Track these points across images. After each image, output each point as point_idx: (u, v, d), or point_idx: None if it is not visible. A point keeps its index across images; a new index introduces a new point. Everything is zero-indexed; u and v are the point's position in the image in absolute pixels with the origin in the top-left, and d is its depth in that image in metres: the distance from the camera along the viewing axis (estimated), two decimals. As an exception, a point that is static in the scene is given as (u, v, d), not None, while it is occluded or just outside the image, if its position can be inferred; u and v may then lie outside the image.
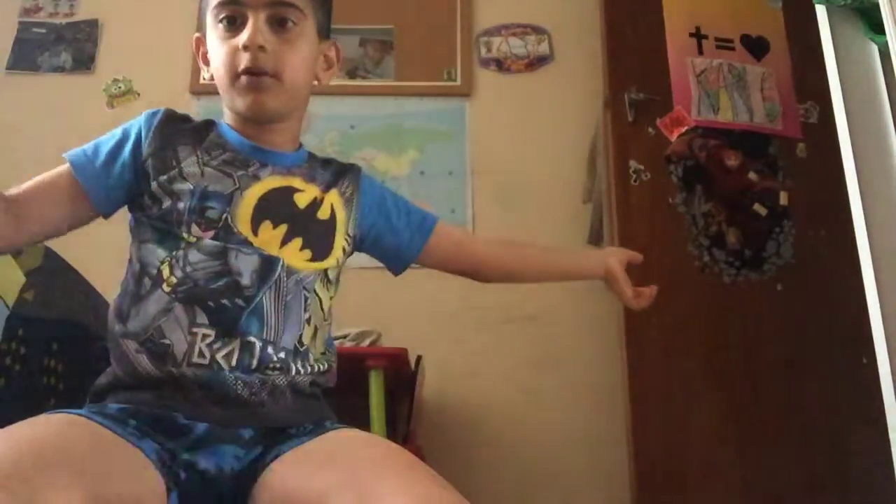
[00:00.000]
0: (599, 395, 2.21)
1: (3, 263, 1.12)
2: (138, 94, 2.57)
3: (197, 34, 1.10)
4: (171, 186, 0.96)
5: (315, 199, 1.03)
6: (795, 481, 1.95)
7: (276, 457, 0.86)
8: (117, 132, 1.02)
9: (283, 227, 0.98)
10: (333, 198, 1.05)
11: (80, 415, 0.82)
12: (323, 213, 1.03)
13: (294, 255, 0.98)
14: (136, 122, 1.03)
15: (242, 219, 0.96)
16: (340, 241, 1.04)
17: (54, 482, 0.65)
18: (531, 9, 2.67)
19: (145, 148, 0.99)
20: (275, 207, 0.99)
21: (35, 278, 1.17)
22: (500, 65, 2.61)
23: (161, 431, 0.85)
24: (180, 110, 1.08)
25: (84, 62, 2.62)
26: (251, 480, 0.86)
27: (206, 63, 1.07)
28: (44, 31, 2.66)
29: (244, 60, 0.97)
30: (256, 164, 1.01)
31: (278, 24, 0.99)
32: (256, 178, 1.00)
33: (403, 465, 0.79)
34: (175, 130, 1.02)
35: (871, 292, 1.39)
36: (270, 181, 1.00)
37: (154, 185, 0.97)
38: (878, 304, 1.37)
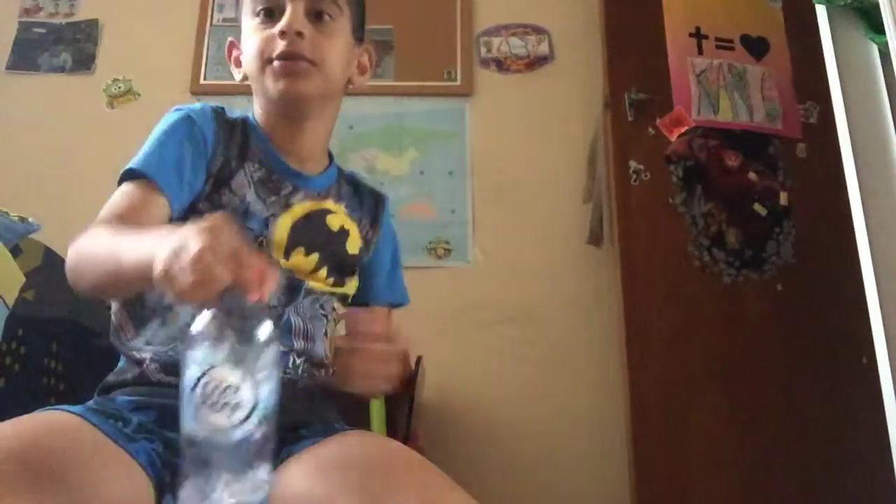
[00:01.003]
0: (599, 395, 2.21)
1: (3, 263, 1.13)
2: (138, 94, 2.57)
3: (231, 38, 1.10)
4: (222, 199, 0.96)
5: (344, 225, 1.05)
6: (795, 481, 1.95)
7: (288, 456, 0.87)
8: (177, 140, 0.96)
9: (315, 256, 0.99)
10: (358, 233, 1.08)
11: (72, 412, 0.81)
12: (352, 247, 1.06)
13: (319, 281, 1.01)
14: (191, 127, 0.98)
15: (277, 244, 0.97)
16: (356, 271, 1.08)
17: (13, 486, 0.65)
18: (531, 9, 2.67)
19: (213, 167, 0.97)
20: (309, 234, 0.99)
21: (35, 278, 1.17)
22: (500, 65, 2.61)
23: (170, 423, 0.85)
24: (219, 108, 1.03)
25: (84, 62, 2.62)
26: None
27: (238, 65, 1.07)
28: (44, 31, 2.66)
29: (279, 46, 0.97)
30: (289, 187, 1.01)
31: (315, 16, 1.00)
32: (288, 205, 1.00)
33: (414, 467, 0.80)
34: (231, 141, 1.00)
35: (871, 292, 1.39)
36: (302, 207, 1.01)
37: (204, 198, 0.96)
38: (878, 304, 1.37)
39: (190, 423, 0.60)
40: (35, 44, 2.64)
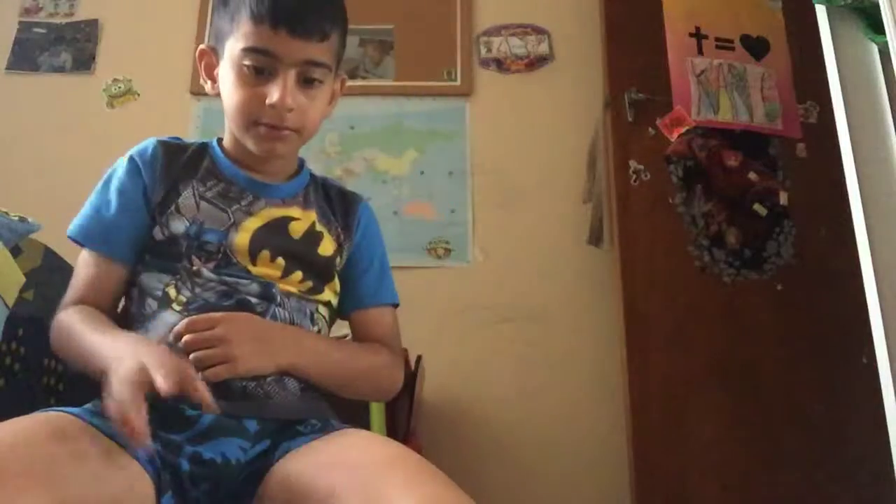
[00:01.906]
0: (599, 395, 2.21)
1: (3, 263, 1.13)
2: (138, 94, 2.57)
3: (203, 46, 1.09)
4: (170, 224, 0.99)
5: (313, 227, 1.05)
6: (795, 481, 1.95)
7: (286, 452, 0.87)
8: (113, 190, 1.02)
9: (281, 261, 1.00)
10: (330, 236, 1.08)
11: (71, 413, 0.82)
12: (325, 250, 1.06)
13: (294, 286, 1.01)
14: (130, 168, 1.03)
15: (240, 250, 0.99)
16: (336, 276, 1.09)
17: (15, 485, 0.65)
18: (531, 9, 2.67)
19: (154, 197, 1.01)
20: (271, 239, 1.01)
21: (35, 278, 1.17)
22: (500, 65, 2.61)
23: (166, 424, 0.86)
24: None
25: (84, 62, 2.62)
26: (259, 474, 0.86)
27: (211, 78, 1.07)
28: (44, 31, 2.66)
29: (268, 116, 0.98)
30: (250, 196, 1.03)
31: (305, 81, 0.99)
32: (249, 212, 1.02)
33: (412, 466, 0.80)
34: (175, 166, 1.03)
35: (871, 292, 1.39)
36: (266, 213, 1.02)
37: (157, 226, 0.99)
38: (878, 304, 1.37)
39: None
40: (35, 44, 2.64)
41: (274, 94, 0.96)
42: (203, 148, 1.07)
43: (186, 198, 1.00)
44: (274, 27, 0.95)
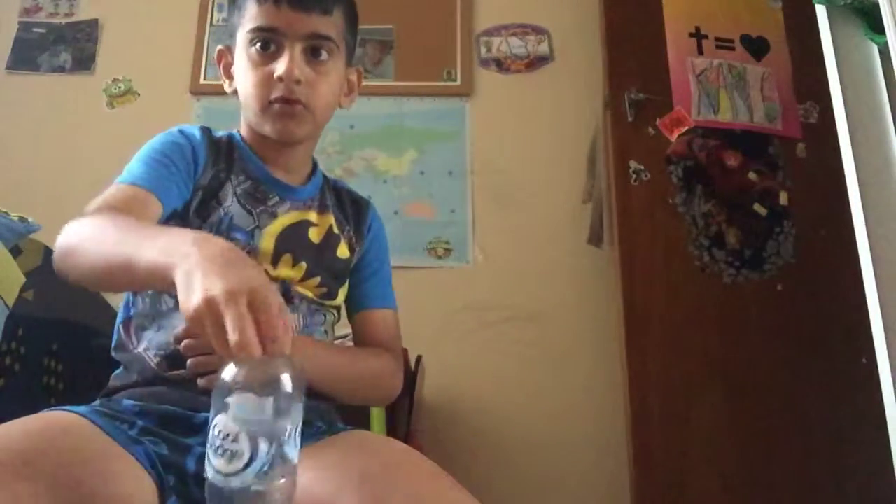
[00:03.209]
0: (599, 395, 2.21)
1: (3, 263, 1.13)
2: (138, 94, 2.57)
3: (221, 46, 1.10)
4: (206, 211, 0.98)
5: (330, 233, 1.07)
6: (795, 481, 1.95)
7: None
8: (166, 153, 0.97)
9: (303, 265, 1.01)
10: (345, 240, 1.10)
11: (77, 413, 0.82)
12: (342, 252, 1.08)
13: (311, 290, 1.02)
14: (184, 144, 1.00)
15: (264, 254, 0.99)
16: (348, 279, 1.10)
17: (16, 486, 0.65)
18: (531, 9, 2.67)
19: (200, 178, 1.00)
20: (293, 243, 1.02)
21: (35, 278, 1.17)
22: (500, 65, 2.61)
23: (175, 427, 0.86)
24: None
25: (84, 62, 2.62)
26: None
27: (229, 77, 1.08)
28: (44, 31, 2.66)
29: (278, 90, 0.99)
30: (276, 198, 1.04)
31: (312, 53, 1.01)
32: (274, 215, 1.02)
33: (418, 468, 0.80)
34: (219, 157, 1.03)
35: (871, 292, 1.40)
36: (287, 217, 1.03)
37: (192, 211, 0.98)
38: (878, 304, 1.37)
39: (206, 462, 0.61)
40: (35, 44, 2.64)
41: (281, 66, 0.98)
42: (230, 143, 1.06)
43: (227, 191, 1.00)
44: (276, 3, 0.98)
